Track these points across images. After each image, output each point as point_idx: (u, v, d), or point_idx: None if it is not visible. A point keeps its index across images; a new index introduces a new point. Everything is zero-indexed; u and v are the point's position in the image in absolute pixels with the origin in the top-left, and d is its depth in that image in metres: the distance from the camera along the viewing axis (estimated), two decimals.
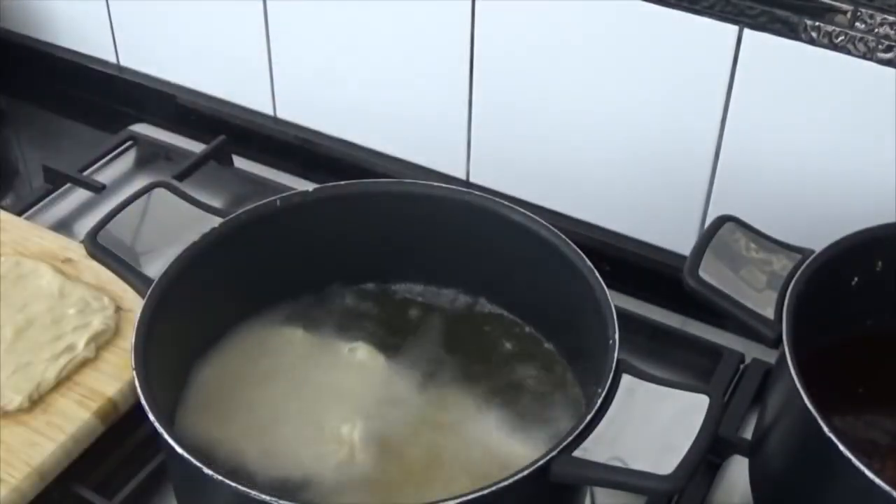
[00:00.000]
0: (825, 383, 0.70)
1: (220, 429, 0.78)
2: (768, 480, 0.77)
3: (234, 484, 0.63)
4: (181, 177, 1.10)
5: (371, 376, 0.82)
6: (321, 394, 0.81)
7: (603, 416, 0.67)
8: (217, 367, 0.83)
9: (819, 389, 0.67)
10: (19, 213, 1.08)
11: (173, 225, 0.82)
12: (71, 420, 0.83)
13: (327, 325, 0.86)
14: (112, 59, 1.28)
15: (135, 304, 0.82)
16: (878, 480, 0.62)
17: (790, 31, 0.83)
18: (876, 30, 0.80)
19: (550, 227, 0.81)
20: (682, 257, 0.78)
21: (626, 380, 0.69)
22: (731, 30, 0.86)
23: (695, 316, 0.97)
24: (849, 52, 0.82)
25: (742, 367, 0.92)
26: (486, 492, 0.63)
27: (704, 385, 0.87)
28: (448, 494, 0.63)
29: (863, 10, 0.80)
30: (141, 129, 1.22)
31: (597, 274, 0.76)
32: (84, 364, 0.88)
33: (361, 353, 0.83)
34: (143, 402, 0.68)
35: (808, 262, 0.76)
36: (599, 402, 0.68)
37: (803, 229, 0.84)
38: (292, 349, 0.84)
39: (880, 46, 0.80)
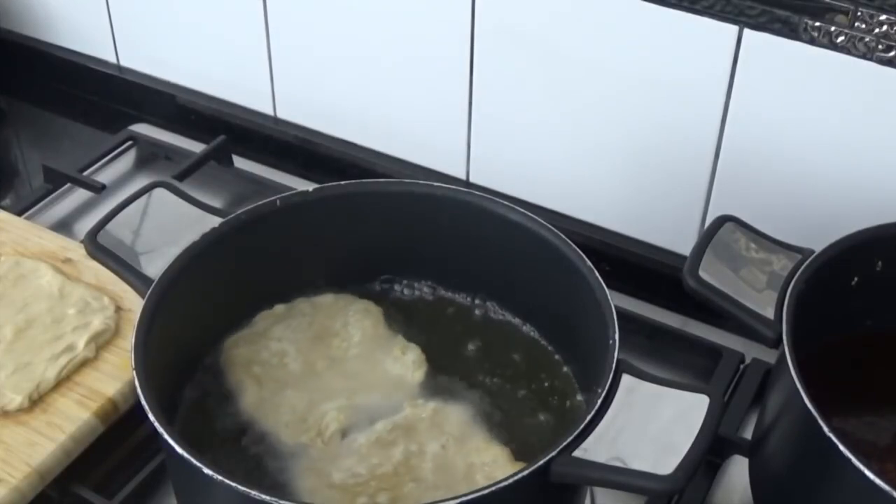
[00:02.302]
0: (825, 383, 0.70)
1: (245, 368, 0.82)
2: (768, 480, 0.77)
3: (234, 484, 0.63)
4: (181, 177, 1.10)
5: (401, 380, 0.82)
6: (345, 377, 0.82)
7: (603, 416, 0.67)
8: (278, 318, 0.86)
9: (819, 389, 0.67)
10: (19, 213, 1.08)
11: (173, 225, 0.82)
12: (71, 420, 0.83)
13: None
14: (112, 59, 1.28)
15: (135, 304, 0.83)
16: (878, 480, 0.62)
17: (790, 31, 0.83)
18: (876, 30, 0.80)
19: (550, 227, 0.81)
20: (682, 257, 0.78)
21: (626, 380, 0.69)
22: (731, 30, 0.86)
23: (695, 316, 0.97)
24: (849, 52, 0.82)
25: (742, 367, 0.92)
26: (486, 492, 0.63)
27: (704, 385, 0.86)
28: None
29: (863, 10, 0.80)
30: (141, 129, 1.22)
31: (597, 274, 0.76)
32: (84, 364, 0.88)
33: (411, 355, 0.83)
34: (143, 402, 0.68)
35: (808, 262, 0.76)
36: (599, 402, 0.68)
37: (803, 229, 0.84)
38: (350, 329, 0.85)
39: (880, 46, 0.80)
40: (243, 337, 0.84)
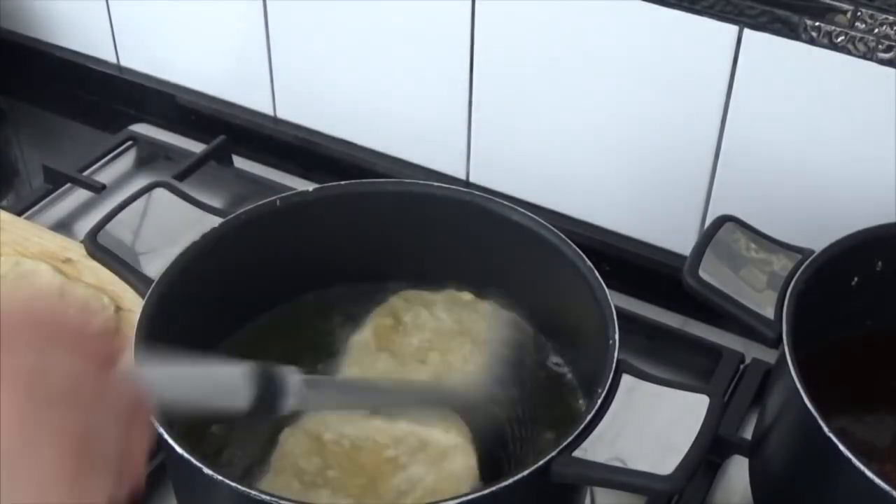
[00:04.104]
0: (825, 383, 0.70)
1: (384, 317, 0.83)
2: (768, 480, 0.77)
3: (234, 484, 0.63)
4: (181, 177, 1.10)
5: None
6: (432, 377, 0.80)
7: (603, 416, 0.67)
8: (462, 304, 0.85)
9: (819, 389, 0.67)
10: (19, 213, 1.08)
11: (173, 225, 0.82)
12: None
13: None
14: (112, 59, 1.28)
15: (135, 304, 0.83)
16: (878, 480, 0.62)
17: (790, 31, 0.83)
18: (876, 30, 0.80)
19: (550, 227, 0.81)
20: (682, 257, 0.78)
21: (626, 380, 0.69)
22: (731, 30, 0.86)
23: (695, 316, 0.97)
24: (849, 52, 0.82)
25: (742, 367, 0.92)
26: (486, 492, 0.63)
27: (704, 385, 0.87)
28: None
29: (863, 10, 0.80)
30: (141, 129, 1.22)
31: (597, 274, 0.76)
32: None
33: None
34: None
35: (808, 262, 0.76)
36: (599, 402, 0.68)
37: (803, 229, 0.84)
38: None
39: (880, 46, 0.80)
40: (424, 292, 0.84)
